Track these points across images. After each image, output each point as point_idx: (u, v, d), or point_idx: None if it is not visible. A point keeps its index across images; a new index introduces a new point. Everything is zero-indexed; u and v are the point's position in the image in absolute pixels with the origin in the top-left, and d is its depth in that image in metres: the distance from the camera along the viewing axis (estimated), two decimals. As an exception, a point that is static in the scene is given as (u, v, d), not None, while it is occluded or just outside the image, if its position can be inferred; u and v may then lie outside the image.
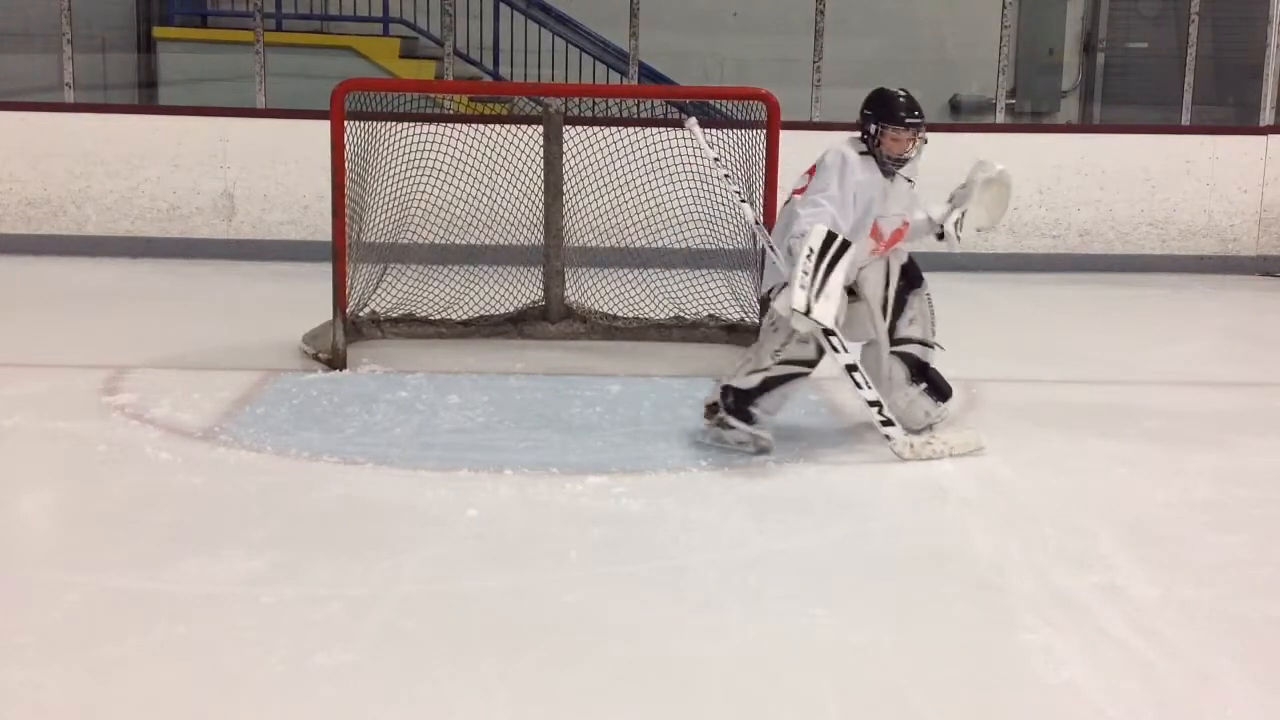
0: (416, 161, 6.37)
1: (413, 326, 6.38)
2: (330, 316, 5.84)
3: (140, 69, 10.62)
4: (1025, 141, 9.19)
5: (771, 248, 4.78)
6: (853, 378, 4.61)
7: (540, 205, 6.42)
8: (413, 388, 5.45)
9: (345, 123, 5.81)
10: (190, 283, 7.70)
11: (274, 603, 3.41)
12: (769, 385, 4.71)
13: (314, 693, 2.98)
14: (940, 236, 4.96)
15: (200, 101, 9.05)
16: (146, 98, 10.43)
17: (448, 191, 6.48)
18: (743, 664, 3.16)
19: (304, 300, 6.54)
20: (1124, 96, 11.28)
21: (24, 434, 4.78)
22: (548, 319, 6.44)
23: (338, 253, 5.84)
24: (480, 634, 3.28)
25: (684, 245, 6.56)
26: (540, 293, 6.46)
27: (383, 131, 6.27)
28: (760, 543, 3.94)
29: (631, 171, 6.44)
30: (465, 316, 6.42)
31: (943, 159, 8.48)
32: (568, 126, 6.42)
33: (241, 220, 8.44)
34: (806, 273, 4.37)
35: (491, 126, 6.84)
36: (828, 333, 4.51)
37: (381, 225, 6.35)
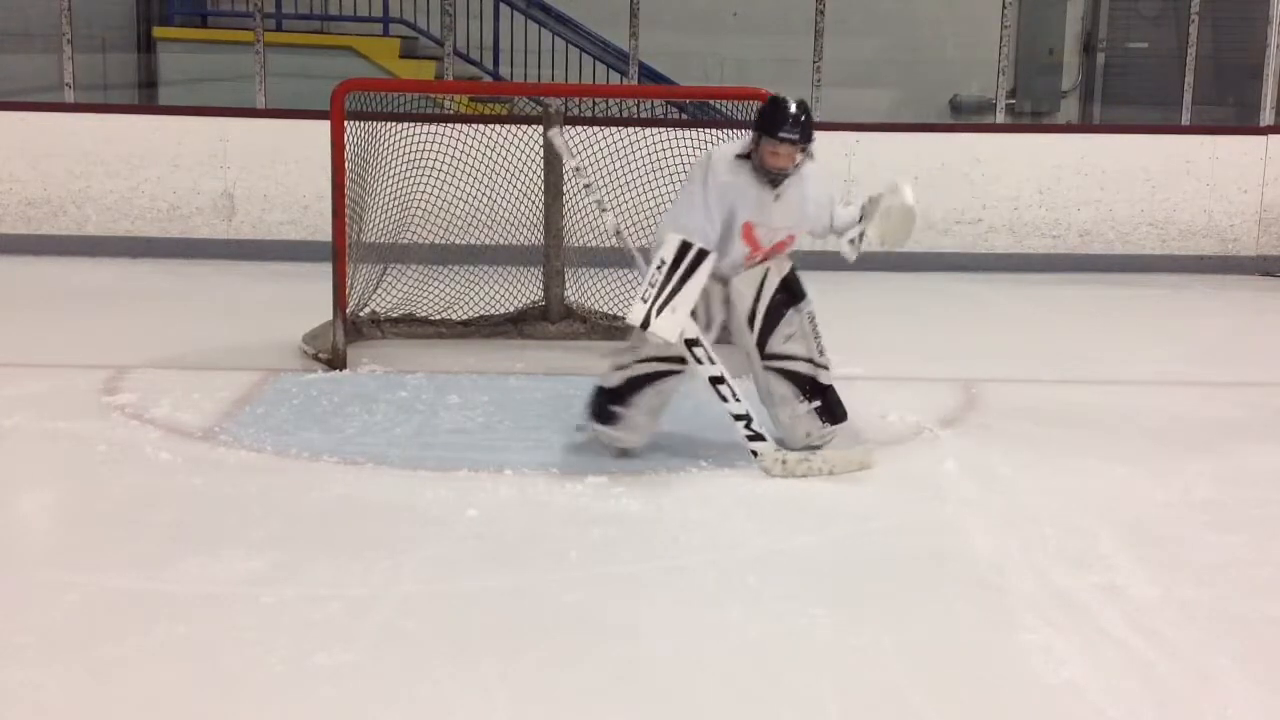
0: (416, 161, 6.37)
1: (413, 326, 6.38)
2: (330, 316, 5.84)
3: (140, 69, 10.63)
4: (1025, 141, 9.19)
5: (634, 257, 4.64)
6: (718, 390, 4.44)
7: (540, 205, 6.42)
8: (413, 388, 5.45)
9: (345, 123, 5.81)
10: (190, 283, 7.70)
11: (274, 603, 3.41)
12: (637, 384, 4.55)
13: (314, 693, 2.98)
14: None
15: (200, 101, 9.05)
16: (146, 98, 10.43)
17: (448, 191, 6.48)
18: (743, 664, 3.16)
19: (304, 300, 6.54)
20: (1124, 96, 11.28)
21: (24, 434, 4.78)
22: (548, 319, 6.44)
23: (338, 253, 5.84)
24: (480, 634, 3.28)
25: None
26: (540, 293, 6.46)
27: (383, 131, 6.27)
28: (760, 543, 3.94)
29: (631, 171, 6.44)
30: (465, 316, 6.42)
31: (943, 159, 8.57)
32: (568, 126, 6.41)
33: (241, 220, 8.44)
34: (653, 285, 4.28)
35: (491, 126, 6.84)
36: (691, 343, 4.38)
37: (381, 225, 6.35)
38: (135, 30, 10.65)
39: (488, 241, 6.81)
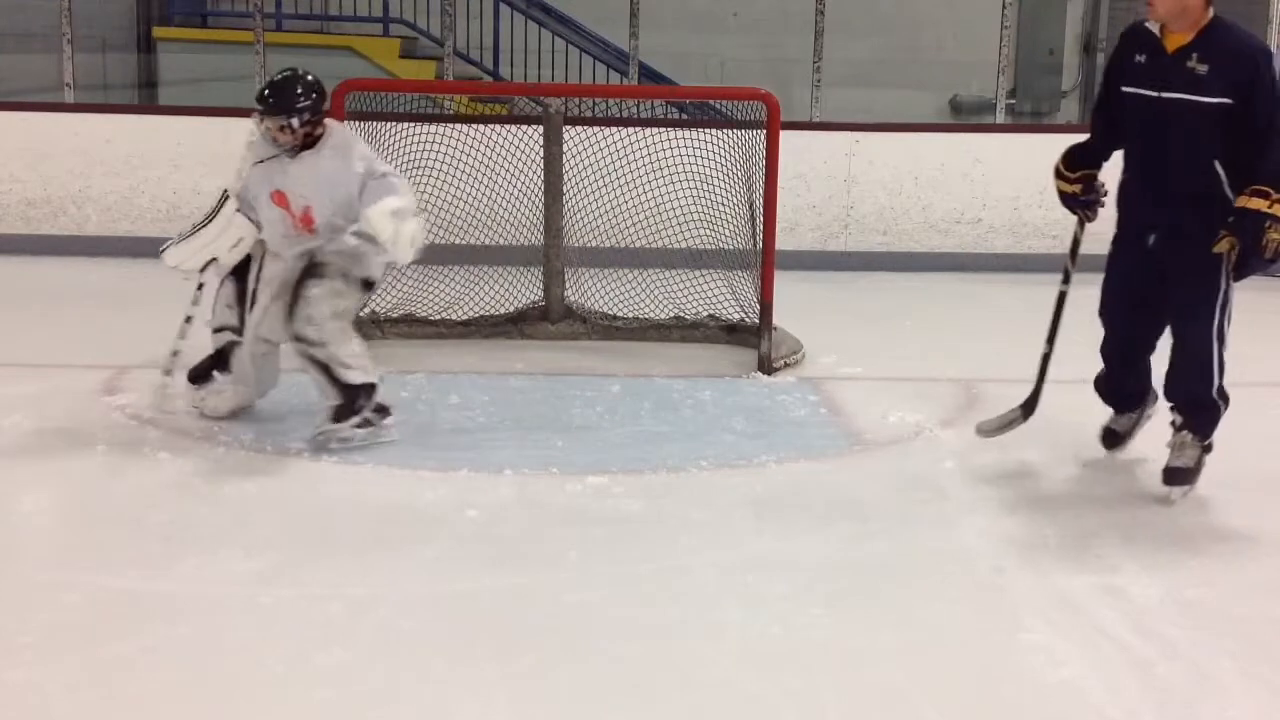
0: (416, 161, 6.37)
1: (413, 326, 6.38)
2: (330, 316, 5.83)
3: (140, 69, 10.63)
4: (1025, 141, 9.17)
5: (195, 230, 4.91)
6: (181, 327, 4.98)
7: (540, 205, 6.41)
8: (413, 388, 5.44)
9: (345, 123, 5.80)
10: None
11: (273, 603, 3.41)
12: (225, 354, 4.95)
13: (314, 693, 2.98)
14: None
15: (200, 101, 9.04)
16: (146, 98, 10.43)
17: (448, 191, 6.48)
18: (743, 664, 3.17)
19: (304, 300, 6.52)
20: (1124, 96, 11.26)
21: (23, 434, 4.78)
22: (548, 319, 6.44)
23: (338, 253, 5.83)
24: (480, 634, 3.29)
25: (684, 245, 6.56)
26: (540, 293, 6.46)
27: (383, 131, 6.27)
28: (760, 543, 3.94)
29: (631, 171, 6.44)
30: (465, 316, 6.42)
31: (943, 159, 8.55)
32: (568, 126, 6.41)
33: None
34: (192, 228, 4.84)
35: (491, 126, 6.84)
36: (200, 287, 4.92)
37: (381, 225, 6.34)
38: (135, 30, 10.66)
39: (488, 242, 6.81)
